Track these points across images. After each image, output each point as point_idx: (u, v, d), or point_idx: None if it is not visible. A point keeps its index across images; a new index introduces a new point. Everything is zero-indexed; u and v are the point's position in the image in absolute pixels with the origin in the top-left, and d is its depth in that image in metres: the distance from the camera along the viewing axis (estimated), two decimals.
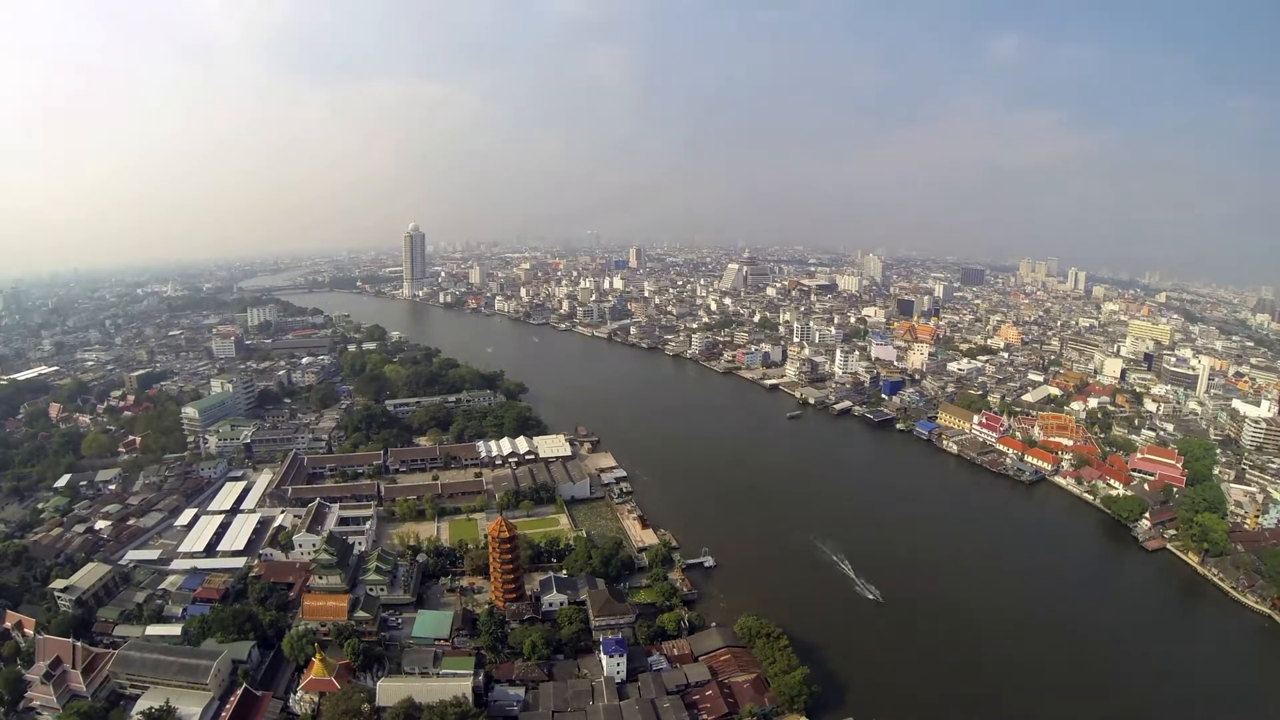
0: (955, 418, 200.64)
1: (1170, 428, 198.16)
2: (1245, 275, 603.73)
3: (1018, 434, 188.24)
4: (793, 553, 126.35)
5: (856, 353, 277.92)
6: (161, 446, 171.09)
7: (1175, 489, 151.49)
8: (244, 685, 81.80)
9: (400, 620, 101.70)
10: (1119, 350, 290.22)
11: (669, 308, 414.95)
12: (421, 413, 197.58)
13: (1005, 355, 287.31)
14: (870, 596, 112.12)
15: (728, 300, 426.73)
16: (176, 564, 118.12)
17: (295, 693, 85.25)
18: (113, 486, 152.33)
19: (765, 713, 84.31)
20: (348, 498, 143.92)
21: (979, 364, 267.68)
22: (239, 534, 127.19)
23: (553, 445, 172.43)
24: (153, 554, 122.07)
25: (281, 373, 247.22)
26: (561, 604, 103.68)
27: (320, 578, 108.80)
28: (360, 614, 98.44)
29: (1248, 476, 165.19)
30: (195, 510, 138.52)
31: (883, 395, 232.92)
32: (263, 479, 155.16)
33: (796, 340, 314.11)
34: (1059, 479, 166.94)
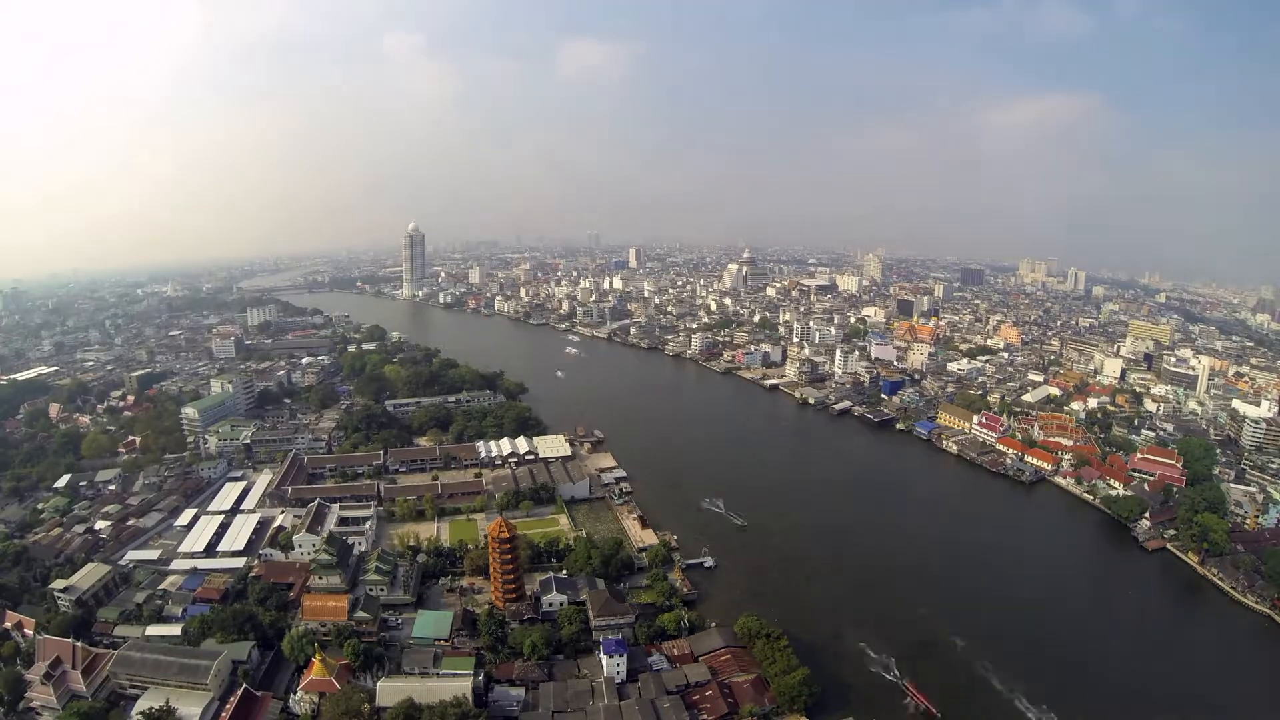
0: (955, 418, 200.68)
1: (1170, 428, 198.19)
2: (1245, 275, 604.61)
3: (1018, 434, 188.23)
4: (793, 553, 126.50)
5: (856, 353, 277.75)
6: (161, 447, 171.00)
7: (1175, 489, 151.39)
8: (244, 685, 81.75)
9: (400, 620, 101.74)
10: (1119, 350, 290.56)
11: (669, 308, 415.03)
12: (421, 413, 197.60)
13: (1005, 355, 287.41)
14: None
15: (727, 300, 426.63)
16: (176, 564, 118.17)
17: (295, 693, 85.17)
18: (112, 487, 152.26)
19: (765, 713, 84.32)
20: (348, 498, 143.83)
21: (979, 364, 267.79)
22: (239, 534, 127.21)
23: (553, 445, 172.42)
24: (152, 554, 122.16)
25: (281, 373, 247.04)
26: (561, 604, 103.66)
27: (320, 578, 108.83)
28: (360, 614, 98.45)
29: (1248, 476, 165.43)
30: (195, 510, 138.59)
31: (883, 395, 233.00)
32: (262, 479, 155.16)
33: (796, 340, 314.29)
34: (1059, 479, 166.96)
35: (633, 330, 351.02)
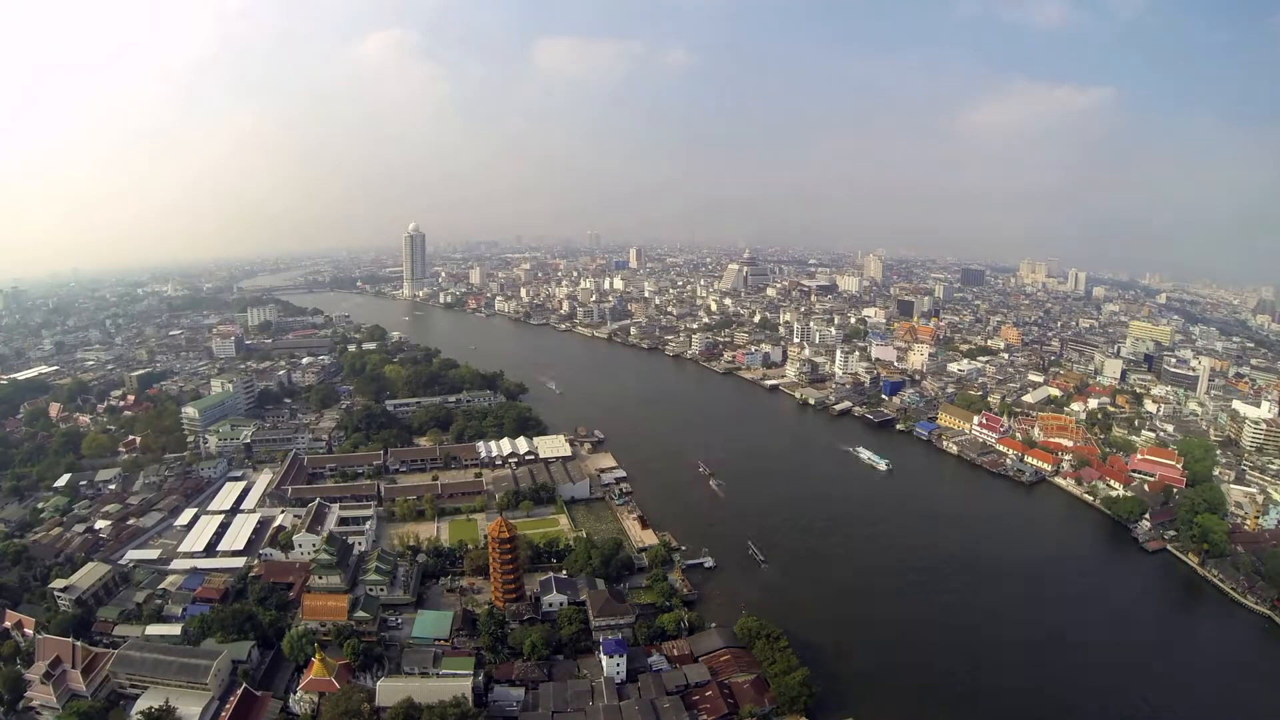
0: (955, 418, 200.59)
1: (1170, 428, 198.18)
2: (1245, 276, 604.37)
3: (1018, 435, 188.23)
4: (793, 553, 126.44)
5: (857, 353, 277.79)
6: (161, 446, 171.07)
7: (1175, 490, 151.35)
8: (244, 685, 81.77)
9: (400, 620, 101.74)
10: (1119, 351, 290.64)
11: (669, 308, 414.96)
12: (421, 413, 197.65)
13: (1005, 356, 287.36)
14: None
15: (728, 301, 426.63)
16: (176, 564, 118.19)
17: (295, 693, 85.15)
18: (113, 486, 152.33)
19: (765, 713, 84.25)
20: (348, 498, 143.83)
21: (979, 364, 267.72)
22: (239, 534, 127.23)
23: (553, 445, 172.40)
24: (152, 554, 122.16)
25: (281, 373, 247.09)
26: (561, 604, 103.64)
27: (320, 578, 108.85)
28: (360, 614, 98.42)
29: (1248, 477, 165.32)
30: (195, 510, 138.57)
31: (883, 396, 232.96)
32: (263, 479, 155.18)
33: (797, 341, 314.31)
34: (1059, 480, 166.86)
35: (633, 330, 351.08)
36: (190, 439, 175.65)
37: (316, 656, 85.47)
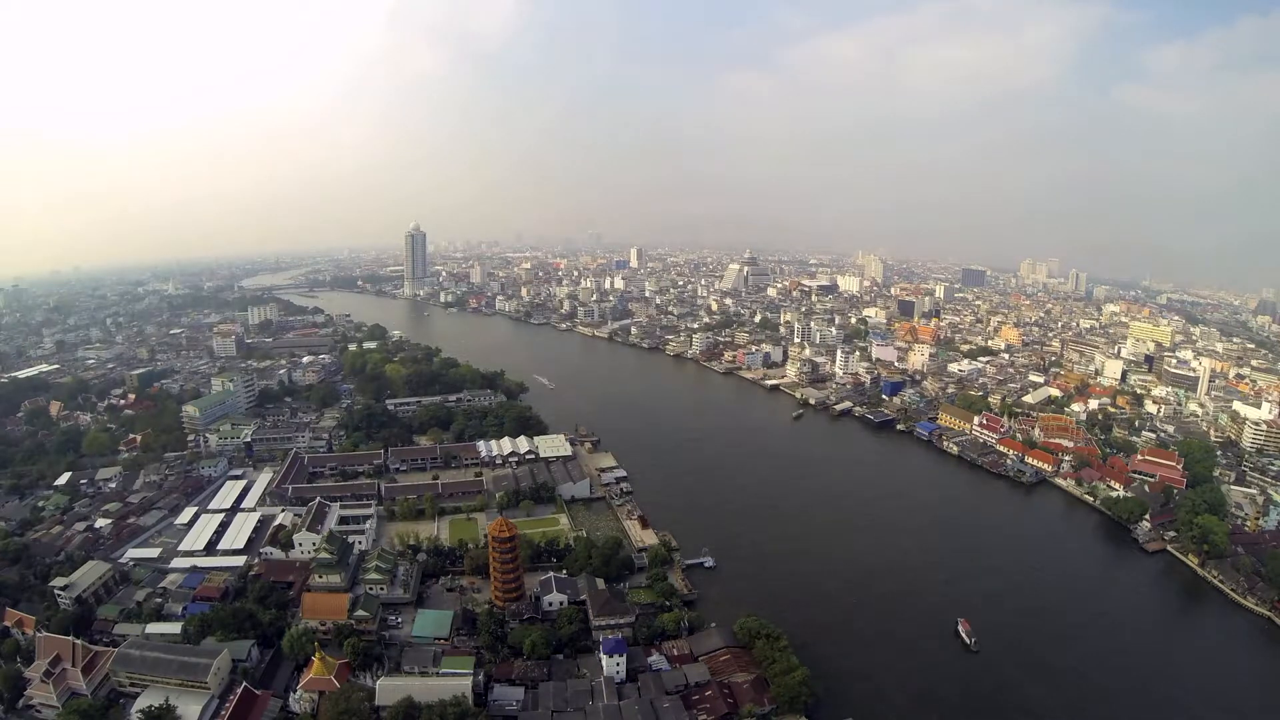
0: (956, 419, 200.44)
1: (1171, 429, 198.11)
2: (1246, 277, 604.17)
3: (1018, 435, 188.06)
4: (792, 553, 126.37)
5: (857, 353, 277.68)
6: (162, 445, 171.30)
7: (1175, 491, 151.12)
8: (244, 684, 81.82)
9: (400, 619, 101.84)
10: (1120, 352, 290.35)
11: (670, 308, 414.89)
12: (422, 412, 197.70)
13: (1006, 356, 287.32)
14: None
15: (729, 300, 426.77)
16: (176, 562, 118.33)
17: (295, 691, 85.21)
18: (113, 485, 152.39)
19: (765, 713, 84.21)
20: (348, 497, 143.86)
21: (979, 365, 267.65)
22: (239, 533, 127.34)
23: (553, 445, 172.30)
24: (153, 552, 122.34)
25: (282, 372, 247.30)
26: (561, 604, 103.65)
27: (320, 577, 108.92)
28: (360, 613, 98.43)
29: (1248, 478, 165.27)
30: (195, 509, 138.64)
31: (883, 396, 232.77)
32: (263, 478, 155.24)
33: (797, 341, 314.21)
34: (1059, 480, 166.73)
35: (634, 330, 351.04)
36: (191, 438, 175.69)
37: (316, 655, 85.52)
